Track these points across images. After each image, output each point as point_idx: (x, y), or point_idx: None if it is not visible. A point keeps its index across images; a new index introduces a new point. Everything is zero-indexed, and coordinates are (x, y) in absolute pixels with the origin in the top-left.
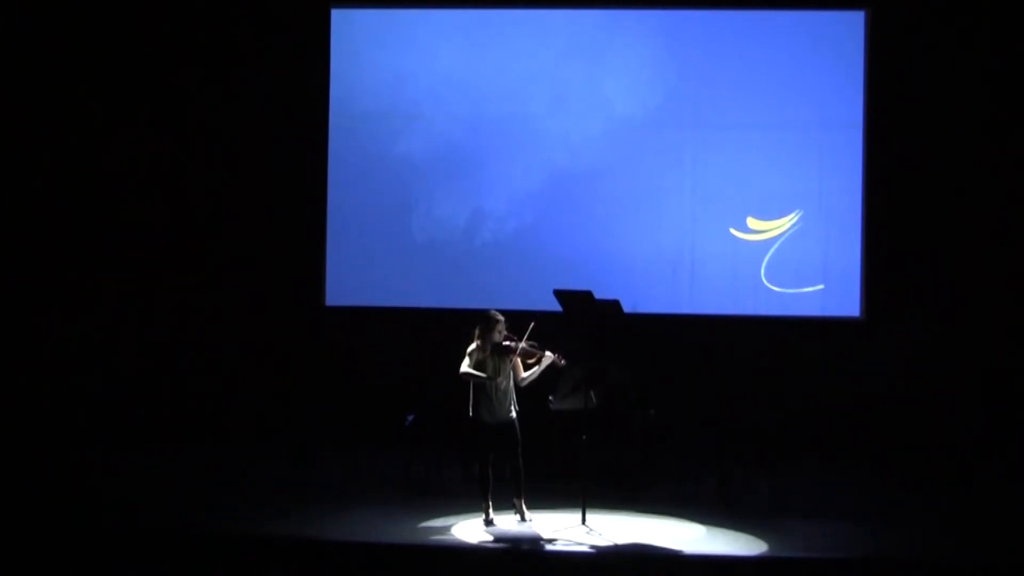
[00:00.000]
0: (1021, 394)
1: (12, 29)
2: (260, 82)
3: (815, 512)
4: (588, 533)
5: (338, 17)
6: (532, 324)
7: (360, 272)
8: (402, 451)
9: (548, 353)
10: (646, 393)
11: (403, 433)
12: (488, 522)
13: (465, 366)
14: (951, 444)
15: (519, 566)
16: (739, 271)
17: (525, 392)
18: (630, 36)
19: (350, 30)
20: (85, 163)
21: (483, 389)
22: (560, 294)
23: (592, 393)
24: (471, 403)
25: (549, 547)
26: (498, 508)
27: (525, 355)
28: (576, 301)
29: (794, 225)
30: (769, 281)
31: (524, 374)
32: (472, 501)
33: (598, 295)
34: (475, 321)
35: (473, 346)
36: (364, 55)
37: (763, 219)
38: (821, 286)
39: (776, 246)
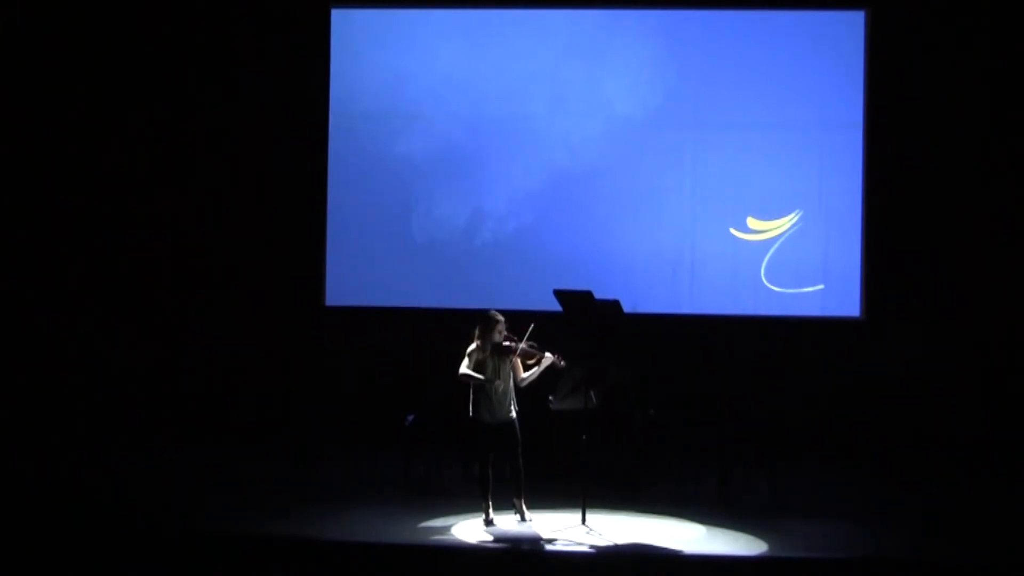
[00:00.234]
0: (1021, 394)
1: (12, 29)
2: (260, 82)
3: (815, 512)
4: (588, 533)
5: (338, 17)
6: (532, 325)
7: (360, 272)
8: (402, 451)
9: (548, 354)
10: (646, 393)
11: (403, 433)
12: (488, 522)
13: (464, 366)
14: (951, 444)
15: (519, 566)
16: (739, 271)
17: (525, 392)
18: (630, 36)
19: (350, 30)
20: (85, 163)
21: (483, 389)
22: (560, 294)
23: (592, 393)
24: (471, 403)
25: (549, 547)
26: (498, 508)
27: (525, 356)
28: (576, 301)
29: (794, 225)
30: (769, 281)
31: (524, 375)
32: (472, 501)
33: (598, 295)
34: (475, 321)
35: (473, 346)
36: (364, 55)
37: (763, 219)
38: (821, 286)
39: (776, 246)
